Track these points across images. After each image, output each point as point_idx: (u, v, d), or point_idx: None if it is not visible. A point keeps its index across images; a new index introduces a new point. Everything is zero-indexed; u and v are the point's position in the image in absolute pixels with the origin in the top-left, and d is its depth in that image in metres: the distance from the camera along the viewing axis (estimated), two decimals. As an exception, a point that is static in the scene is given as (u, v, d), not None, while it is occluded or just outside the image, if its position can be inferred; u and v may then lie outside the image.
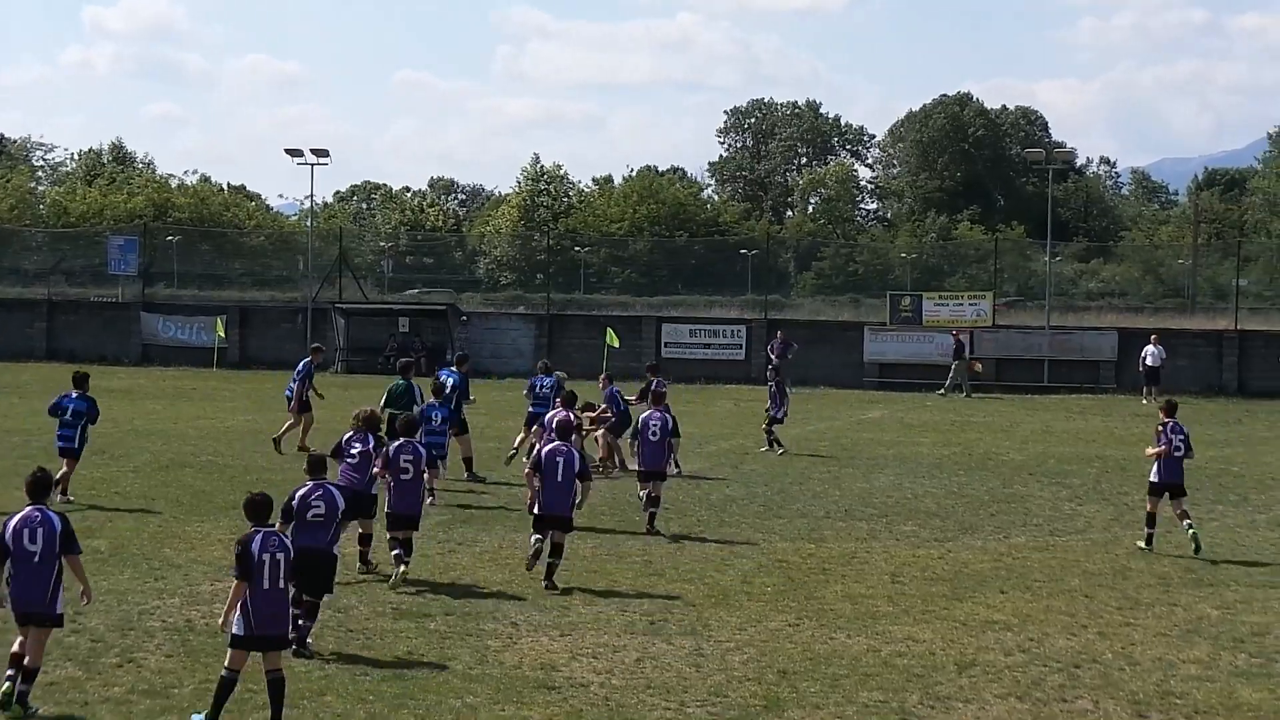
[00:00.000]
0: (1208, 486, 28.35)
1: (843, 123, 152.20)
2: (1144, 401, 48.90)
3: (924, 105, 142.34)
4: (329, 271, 68.68)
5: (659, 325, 58.30)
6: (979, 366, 52.50)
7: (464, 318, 60.74)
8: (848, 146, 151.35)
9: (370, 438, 18.48)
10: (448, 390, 26.05)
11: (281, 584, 12.39)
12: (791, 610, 16.81)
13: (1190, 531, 20.99)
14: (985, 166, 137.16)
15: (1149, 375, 49.84)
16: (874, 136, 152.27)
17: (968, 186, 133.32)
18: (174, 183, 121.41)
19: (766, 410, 33.15)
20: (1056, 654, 15.08)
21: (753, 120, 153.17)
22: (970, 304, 57.20)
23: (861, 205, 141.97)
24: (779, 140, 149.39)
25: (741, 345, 56.73)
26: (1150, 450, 21.83)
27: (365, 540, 18.35)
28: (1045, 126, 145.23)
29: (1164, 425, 21.61)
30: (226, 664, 12.26)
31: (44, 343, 60.18)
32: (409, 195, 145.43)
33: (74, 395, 23.64)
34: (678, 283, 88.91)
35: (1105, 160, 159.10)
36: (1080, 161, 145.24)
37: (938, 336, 54.66)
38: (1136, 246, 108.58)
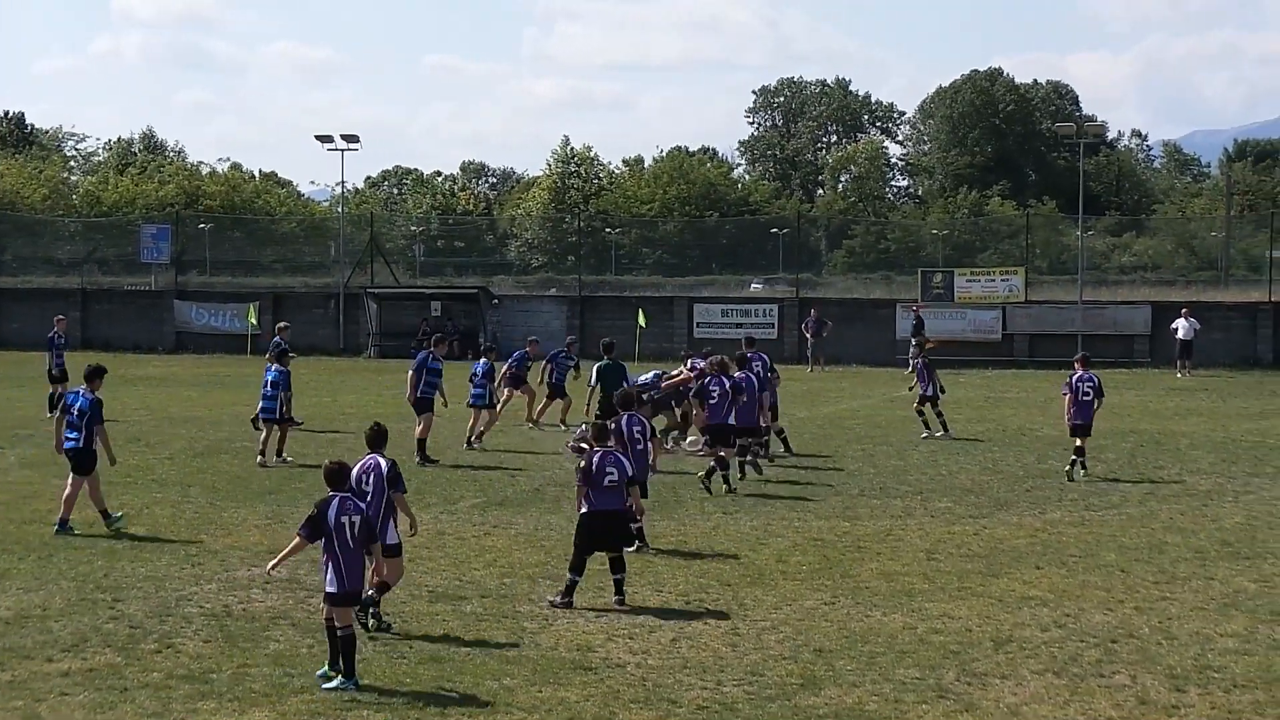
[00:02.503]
0: (1244, 459, 28.23)
1: (872, 100, 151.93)
2: (1178, 375, 48.71)
3: (954, 81, 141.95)
4: (361, 257, 68.93)
5: (690, 305, 58.32)
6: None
7: (495, 300, 60.84)
8: (878, 124, 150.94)
9: (726, 380, 23.66)
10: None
11: (356, 545, 13.20)
12: (827, 588, 16.79)
13: (1076, 468, 25.22)
14: (1016, 141, 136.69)
15: (1182, 348, 49.66)
16: (904, 113, 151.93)
17: (999, 162, 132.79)
18: (205, 170, 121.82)
19: (911, 389, 32.64)
20: (1093, 629, 15.02)
21: (782, 99, 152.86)
22: (1002, 279, 57.07)
23: (892, 182, 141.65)
24: (809, 118, 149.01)
25: (774, 324, 56.72)
26: (1066, 416, 25.70)
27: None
28: (1076, 100, 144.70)
29: (1071, 376, 25.66)
30: (338, 621, 12.90)
31: (79, 332, 60.41)
32: (440, 179, 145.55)
33: (273, 368, 26.74)
34: (709, 263, 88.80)
35: (1136, 133, 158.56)
36: (1111, 135, 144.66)
37: (970, 312, 54.55)
38: (1169, 220, 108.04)
